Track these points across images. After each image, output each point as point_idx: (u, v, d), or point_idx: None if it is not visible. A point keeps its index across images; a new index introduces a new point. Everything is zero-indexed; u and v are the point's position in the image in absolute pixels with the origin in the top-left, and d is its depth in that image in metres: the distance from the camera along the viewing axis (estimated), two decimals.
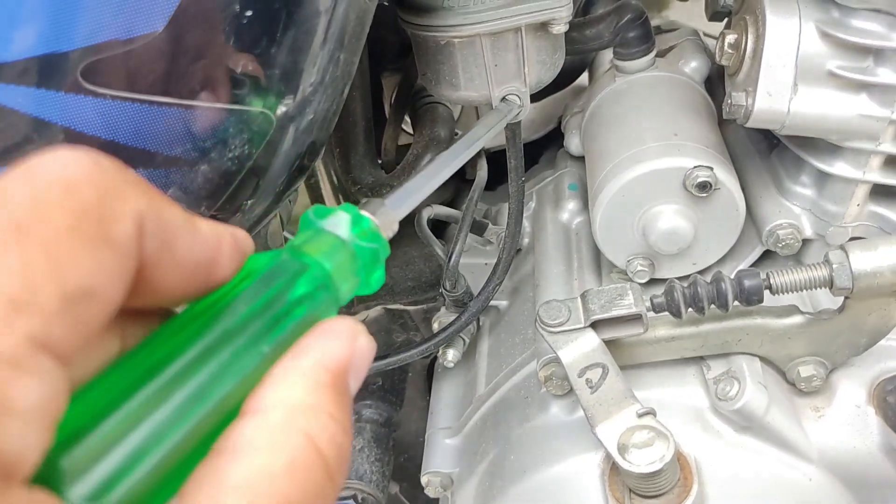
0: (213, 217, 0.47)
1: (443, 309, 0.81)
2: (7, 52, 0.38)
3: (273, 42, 0.40)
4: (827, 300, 0.64)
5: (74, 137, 0.40)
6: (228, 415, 0.21)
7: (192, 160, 0.42)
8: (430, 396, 0.84)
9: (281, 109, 0.43)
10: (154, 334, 0.21)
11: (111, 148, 0.41)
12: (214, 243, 0.23)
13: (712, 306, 0.56)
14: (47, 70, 0.38)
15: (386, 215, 0.29)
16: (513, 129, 0.66)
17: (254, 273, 0.23)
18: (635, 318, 0.56)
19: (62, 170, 0.18)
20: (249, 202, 0.49)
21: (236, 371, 0.21)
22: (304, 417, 0.21)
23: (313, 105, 0.45)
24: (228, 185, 0.44)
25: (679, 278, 0.63)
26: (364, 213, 0.27)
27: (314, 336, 0.23)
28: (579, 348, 0.56)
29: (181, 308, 0.24)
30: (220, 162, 0.43)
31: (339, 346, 0.22)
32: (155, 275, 0.21)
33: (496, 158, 0.81)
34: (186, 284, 0.22)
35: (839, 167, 0.61)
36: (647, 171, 0.62)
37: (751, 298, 0.54)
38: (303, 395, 0.21)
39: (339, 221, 0.26)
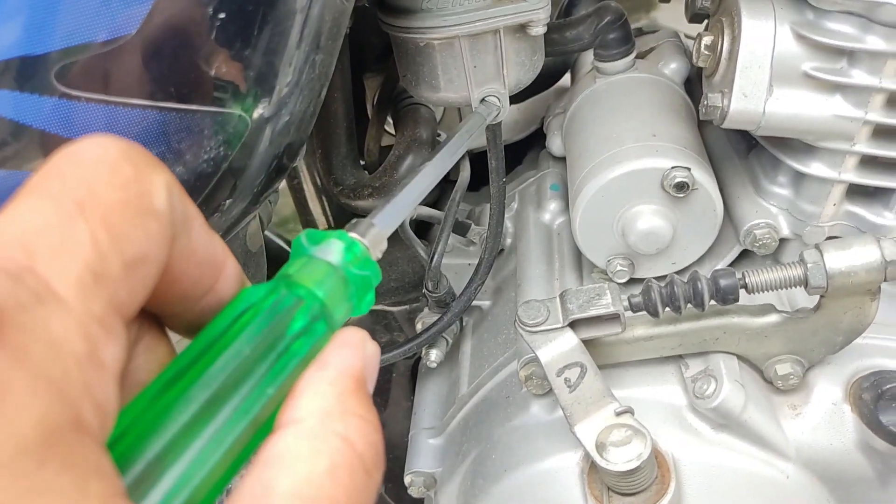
0: None
1: (426, 309, 0.82)
2: None
3: (248, 44, 0.41)
4: (804, 299, 0.65)
5: (50, 140, 0.40)
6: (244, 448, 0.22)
7: (168, 162, 0.42)
8: (413, 396, 0.84)
9: (257, 112, 0.43)
10: (164, 373, 0.22)
11: None
12: (222, 249, 0.25)
13: (689, 305, 0.56)
14: (22, 72, 0.38)
15: (375, 236, 0.29)
16: (493, 130, 0.66)
17: (254, 309, 0.24)
18: (613, 318, 0.57)
19: (104, 152, 0.20)
20: (227, 202, 0.49)
21: (246, 413, 0.22)
22: (338, 422, 0.22)
23: (290, 106, 0.45)
24: (205, 187, 0.45)
25: (658, 278, 0.64)
26: (355, 236, 0.28)
27: (332, 348, 0.24)
28: (558, 348, 0.56)
29: (181, 324, 0.25)
30: (195, 164, 0.43)
31: (354, 355, 0.24)
32: (173, 263, 0.22)
33: (479, 159, 0.81)
34: (196, 284, 0.24)
35: (815, 167, 0.62)
36: (625, 171, 0.62)
37: (726, 297, 0.55)
38: (333, 402, 0.23)
39: (332, 248, 0.26)
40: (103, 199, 0.19)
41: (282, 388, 0.23)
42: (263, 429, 0.23)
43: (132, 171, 0.20)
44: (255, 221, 0.58)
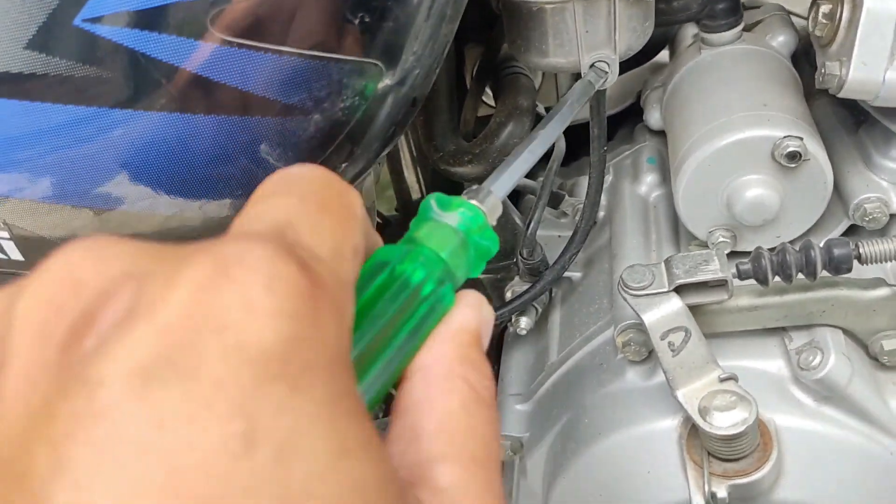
0: None
1: (516, 278, 0.83)
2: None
3: (382, 9, 0.42)
4: None
5: (204, 84, 0.42)
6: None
7: (307, 109, 0.44)
8: (499, 364, 0.86)
9: (384, 81, 0.45)
10: None
11: (236, 95, 0.43)
12: (378, 241, 0.29)
13: (799, 275, 0.56)
14: (181, 17, 0.41)
15: (493, 203, 0.31)
16: (597, 97, 0.67)
17: (390, 273, 0.26)
18: (720, 284, 0.57)
19: (315, 171, 0.25)
20: (344, 165, 0.50)
21: (395, 363, 0.25)
22: (459, 367, 0.25)
23: (420, 62, 0.46)
24: (334, 139, 0.46)
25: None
26: (478, 205, 0.30)
27: (457, 306, 0.27)
28: (662, 312, 0.57)
29: None
30: (332, 112, 0.45)
31: (473, 314, 0.27)
32: None
33: (572, 134, 0.82)
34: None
35: None
36: (735, 140, 0.62)
37: (840, 267, 0.54)
38: (455, 352, 0.26)
39: (459, 215, 0.28)
40: (333, 200, 0.24)
41: (418, 340, 0.26)
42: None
43: (341, 185, 0.25)
44: (369, 178, 0.60)
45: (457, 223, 0.28)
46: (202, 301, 0.18)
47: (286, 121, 0.45)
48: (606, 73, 0.62)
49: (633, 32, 0.61)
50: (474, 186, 0.32)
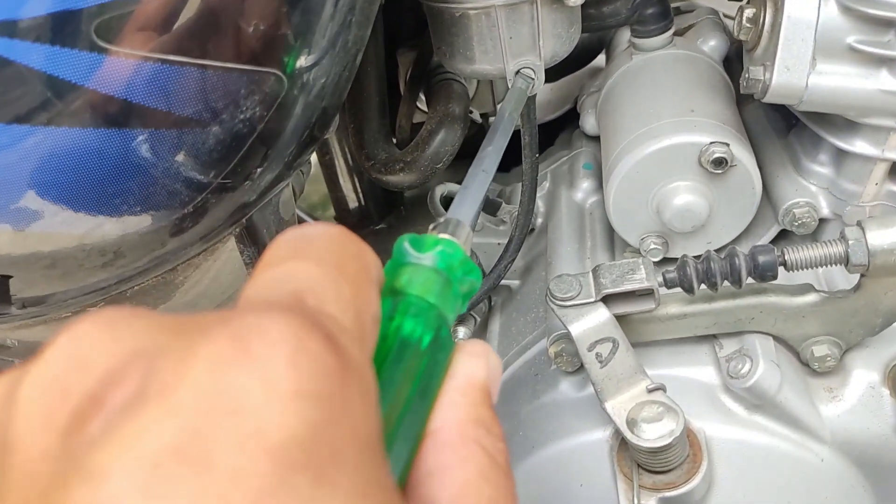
0: (223, 185, 0.48)
1: None
2: (22, 9, 0.38)
3: (284, 4, 0.40)
4: (842, 279, 0.64)
5: (89, 96, 0.40)
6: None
7: (204, 121, 0.42)
8: None
9: (292, 74, 0.43)
10: None
11: (124, 107, 0.41)
12: None
13: (725, 283, 0.55)
14: (62, 27, 0.39)
15: (466, 234, 0.29)
16: (527, 104, 0.66)
17: (386, 333, 0.25)
18: (647, 294, 0.56)
19: (332, 230, 0.23)
20: (259, 170, 0.49)
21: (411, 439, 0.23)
22: (474, 431, 0.23)
23: (324, 70, 0.45)
24: (238, 150, 0.45)
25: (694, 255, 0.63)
26: (454, 240, 0.28)
27: (460, 359, 0.25)
28: (589, 322, 0.55)
29: None
30: (231, 124, 0.43)
31: (480, 366, 0.25)
32: None
33: (510, 138, 0.81)
34: None
35: (858, 145, 0.60)
36: (662, 146, 0.61)
37: (765, 274, 0.54)
38: (466, 412, 0.24)
39: (438, 255, 0.27)
40: (351, 267, 0.22)
41: (429, 400, 0.24)
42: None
43: (357, 246, 0.23)
44: (287, 190, 0.58)
45: (437, 263, 0.26)
46: (218, 381, 0.17)
47: (183, 133, 0.43)
48: (533, 79, 0.61)
49: (557, 38, 0.60)
50: (441, 220, 0.31)
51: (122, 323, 0.19)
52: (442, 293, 0.26)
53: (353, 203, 0.89)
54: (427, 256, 0.26)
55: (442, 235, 0.28)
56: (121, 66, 0.40)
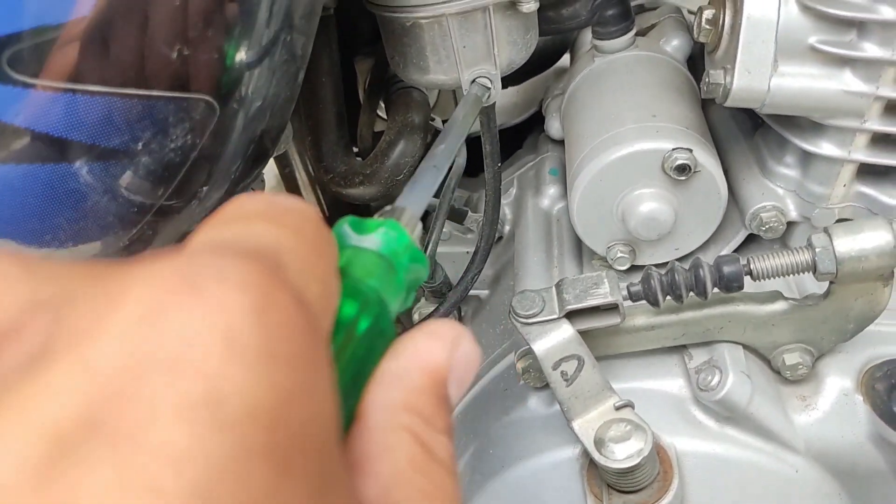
0: (169, 206, 0.45)
1: (423, 300, 0.79)
2: None
3: (211, 23, 0.38)
4: (813, 285, 0.62)
5: (3, 130, 0.38)
6: None
7: (132, 152, 0.40)
8: None
9: (226, 96, 0.41)
10: None
11: (44, 141, 0.39)
12: None
13: (691, 294, 0.54)
14: None
15: (412, 220, 0.27)
16: (486, 112, 0.64)
17: None
18: (611, 308, 0.54)
19: (312, 209, 0.20)
20: (204, 189, 0.46)
21: None
22: (406, 416, 0.19)
23: (261, 90, 0.42)
24: (173, 177, 0.42)
25: (660, 265, 0.61)
26: (396, 222, 0.25)
27: (412, 336, 0.21)
28: (553, 340, 0.54)
29: None
30: (161, 153, 0.40)
31: (437, 349, 0.21)
32: None
33: (476, 144, 0.79)
34: None
35: (824, 146, 0.59)
36: (624, 153, 0.59)
37: (730, 285, 0.52)
38: (400, 395, 0.20)
39: (381, 239, 0.24)
40: (323, 246, 0.19)
41: (356, 394, 0.21)
42: None
43: (329, 232, 0.21)
44: None
45: (379, 246, 0.24)
46: (153, 329, 0.13)
47: (110, 165, 0.40)
48: (489, 88, 0.59)
49: (513, 46, 0.58)
50: (387, 207, 0.28)
51: (22, 267, 0.15)
52: (383, 278, 0.23)
53: None
54: (367, 238, 0.24)
55: (394, 221, 0.25)
56: (36, 99, 0.37)
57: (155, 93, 0.38)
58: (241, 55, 0.40)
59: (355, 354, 0.21)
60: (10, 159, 0.39)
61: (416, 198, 0.31)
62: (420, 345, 0.21)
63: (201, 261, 0.14)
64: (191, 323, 0.13)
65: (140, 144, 0.40)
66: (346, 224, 0.24)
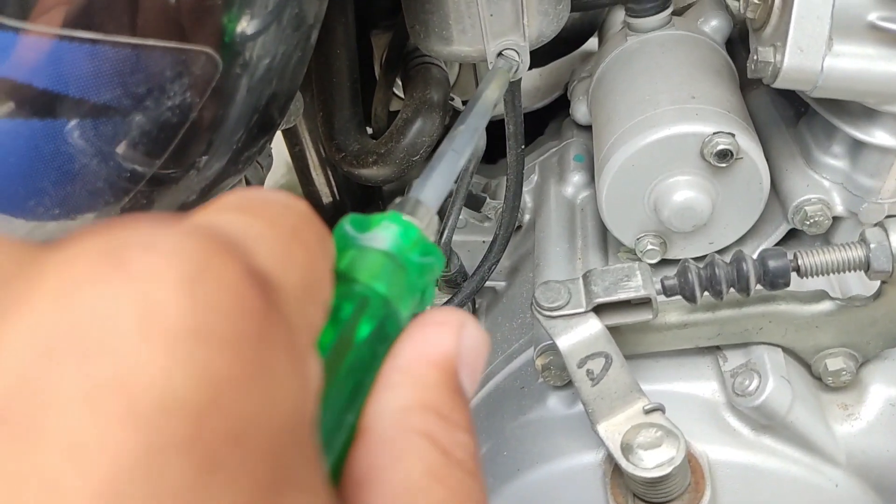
0: (166, 175, 0.42)
1: (436, 289, 0.75)
2: None
3: None
4: (858, 285, 0.58)
5: None
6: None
7: (124, 108, 0.36)
8: None
9: (230, 50, 0.37)
10: None
11: (28, 93, 0.35)
12: None
13: (731, 290, 0.49)
14: None
15: (426, 214, 0.24)
16: (511, 90, 0.59)
17: None
18: (644, 303, 0.50)
19: (297, 201, 0.19)
20: (204, 159, 0.42)
21: (331, 449, 0.18)
22: (420, 418, 0.18)
23: (269, 48, 0.38)
24: (171, 139, 0.38)
25: (694, 258, 0.57)
26: (408, 218, 0.23)
27: (412, 329, 0.20)
28: (579, 335, 0.49)
29: None
30: (157, 111, 0.36)
31: (443, 338, 0.19)
32: None
33: (496, 128, 0.75)
34: None
35: (876, 135, 0.54)
36: (660, 137, 0.55)
37: (776, 281, 0.48)
38: (411, 395, 0.18)
39: (385, 234, 0.22)
40: (309, 236, 0.18)
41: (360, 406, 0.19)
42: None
43: (320, 224, 0.19)
44: (240, 185, 0.52)
45: (384, 243, 0.22)
46: (67, 309, 0.11)
47: (100, 123, 0.36)
48: (517, 61, 0.55)
49: (544, 16, 0.54)
50: (398, 199, 0.25)
51: None
52: (389, 278, 0.21)
53: (326, 198, 0.83)
54: (371, 237, 0.22)
55: (406, 217, 0.23)
56: (20, 45, 0.33)
57: (150, 42, 0.34)
58: (247, 4, 0.35)
59: (358, 361, 0.19)
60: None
61: (431, 187, 0.28)
62: (422, 335, 0.19)
63: (131, 231, 0.13)
64: (107, 298, 0.12)
65: (134, 100, 0.36)
66: (346, 223, 0.22)
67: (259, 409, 0.12)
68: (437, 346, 0.19)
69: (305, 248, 0.17)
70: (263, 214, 0.17)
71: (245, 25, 0.36)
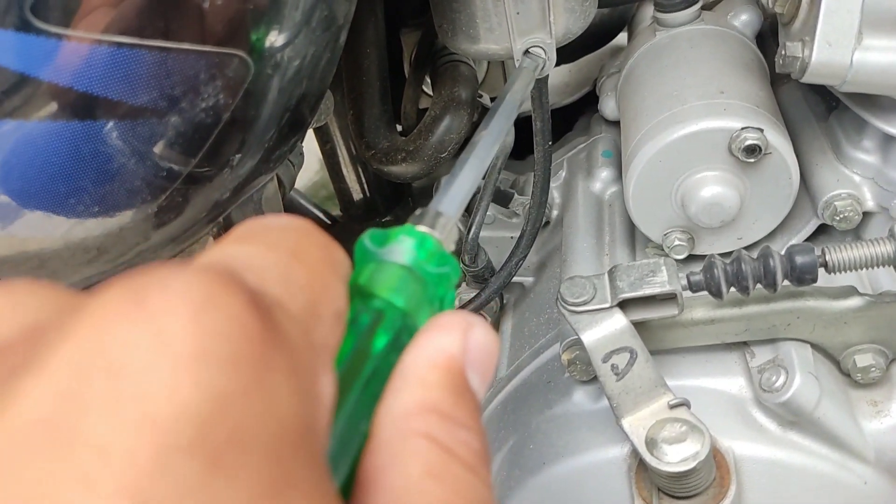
0: (200, 173, 0.43)
1: (464, 284, 0.76)
2: None
3: None
4: (888, 281, 0.57)
5: (24, 82, 0.35)
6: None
7: (160, 110, 0.37)
8: None
9: (262, 54, 0.38)
10: None
11: (68, 96, 0.36)
12: None
13: (758, 286, 0.49)
14: None
15: (445, 225, 0.25)
16: (539, 86, 0.60)
17: None
18: (669, 298, 0.50)
19: (296, 221, 0.20)
20: (237, 157, 0.44)
21: (346, 457, 0.19)
22: (419, 421, 0.19)
23: (299, 51, 0.39)
24: (205, 140, 0.40)
25: (722, 254, 0.57)
26: (424, 230, 0.24)
27: (419, 334, 0.21)
28: (604, 330, 0.50)
29: None
30: (191, 113, 0.38)
31: (448, 341, 0.20)
32: None
33: (525, 124, 0.75)
34: None
35: None
36: (688, 132, 0.55)
37: (803, 277, 0.48)
38: (412, 399, 0.19)
39: (402, 248, 0.23)
40: (311, 254, 0.19)
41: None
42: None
43: (325, 239, 0.20)
44: (272, 184, 0.53)
45: (401, 256, 0.23)
46: (100, 339, 0.14)
47: (137, 124, 0.38)
48: (543, 59, 0.55)
49: (570, 13, 0.54)
50: (418, 211, 0.26)
51: (22, 293, 0.17)
52: (406, 290, 0.22)
53: (357, 195, 0.84)
54: (389, 251, 0.23)
55: (419, 227, 0.24)
56: (60, 51, 0.35)
57: (185, 46, 0.35)
58: (278, 7, 0.36)
59: (376, 373, 0.20)
60: (33, 116, 0.37)
61: (451, 197, 0.29)
62: (426, 340, 0.20)
63: (149, 277, 0.15)
64: (130, 331, 0.14)
65: (169, 102, 0.37)
66: (366, 238, 0.23)
67: (257, 418, 0.14)
68: (440, 348, 0.20)
69: (307, 268, 0.18)
70: (264, 241, 0.18)
71: (276, 29, 0.37)
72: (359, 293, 0.22)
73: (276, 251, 0.18)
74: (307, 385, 0.16)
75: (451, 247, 0.25)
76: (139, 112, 0.37)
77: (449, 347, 0.20)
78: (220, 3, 0.35)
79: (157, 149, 0.39)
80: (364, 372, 0.20)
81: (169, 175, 0.42)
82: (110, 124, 0.38)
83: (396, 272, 0.22)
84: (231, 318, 0.15)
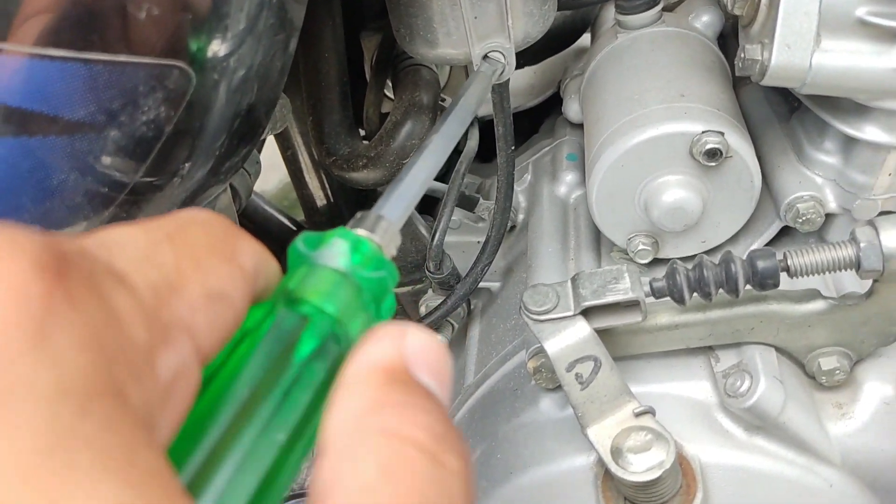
0: (150, 183, 0.41)
1: (430, 291, 0.75)
2: None
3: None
4: (852, 283, 0.57)
5: None
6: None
7: (99, 124, 0.36)
8: None
9: (204, 63, 0.36)
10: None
11: (2, 111, 0.35)
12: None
13: (721, 291, 0.49)
14: None
15: (386, 229, 0.24)
16: (499, 91, 0.59)
17: (250, 337, 0.20)
18: (632, 305, 0.49)
19: (199, 213, 0.21)
20: (187, 165, 0.42)
21: (253, 470, 0.18)
22: (375, 417, 0.18)
23: (245, 58, 0.38)
24: (147, 153, 0.38)
25: (685, 259, 0.57)
26: (361, 233, 0.23)
27: (355, 348, 0.20)
28: (567, 339, 0.49)
29: None
30: (132, 126, 0.36)
31: (384, 348, 0.20)
32: None
33: (490, 127, 0.74)
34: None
35: (868, 131, 0.54)
36: (648, 137, 0.55)
37: (765, 282, 0.47)
38: (363, 398, 0.19)
39: (336, 251, 0.22)
40: (192, 236, 0.19)
41: (301, 426, 0.19)
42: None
43: (223, 228, 0.20)
44: (226, 194, 0.52)
45: (335, 261, 0.22)
46: None
47: (76, 139, 0.36)
48: (503, 63, 0.54)
49: (529, 17, 0.54)
50: (358, 214, 0.25)
51: None
52: (336, 294, 0.22)
53: (321, 201, 0.83)
54: (321, 254, 0.22)
55: (357, 230, 0.24)
56: None
57: (122, 58, 0.34)
58: (217, 18, 0.35)
59: (299, 380, 0.19)
60: None
61: (394, 202, 0.28)
62: (363, 352, 0.20)
63: None
64: None
65: (108, 116, 0.35)
66: (299, 241, 0.23)
67: (32, 373, 0.15)
68: (377, 354, 0.20)
69: (176, 248, 0.19)
70: (145, 225, 0.19)
71: (219, 38, 0.36)
72: (286, 297, 0.21)
73: (147, 233, 0.19)
74: (114, 351, 0.16)
75: (393, 251, 0.24)
76: (77, 126, 0.36)
77: (385, 352, 0.20)
78: (157, 13, 0.33)
79: (99, 164, 0.37)
80: (283, 379, 0.19)
81: (112, 188, 0.40)
82: (48, 140, 0.36)
83: (328, 276, 0.22)
84: (10, 284, 0.15)
